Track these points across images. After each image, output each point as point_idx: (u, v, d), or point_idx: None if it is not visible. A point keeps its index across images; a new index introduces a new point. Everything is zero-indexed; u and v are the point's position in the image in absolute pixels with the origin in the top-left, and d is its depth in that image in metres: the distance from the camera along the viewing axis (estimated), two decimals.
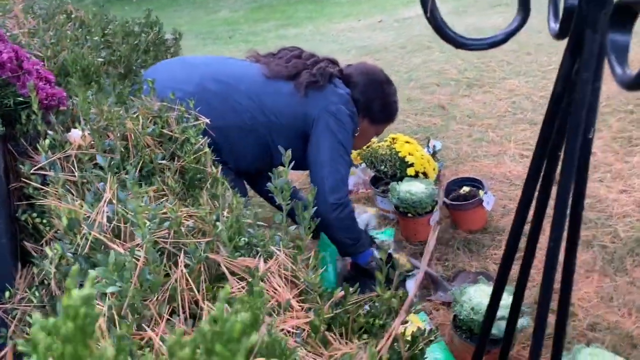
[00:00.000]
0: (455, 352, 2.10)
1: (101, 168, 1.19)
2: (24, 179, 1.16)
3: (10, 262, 1.19)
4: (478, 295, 2.07)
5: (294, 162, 2.12)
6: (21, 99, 1.24)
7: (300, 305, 0.86)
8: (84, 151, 1.24)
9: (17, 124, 1.27)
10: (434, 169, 3.06)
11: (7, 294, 1.14)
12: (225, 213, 1.06)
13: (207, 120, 1.53)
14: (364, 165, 3.25)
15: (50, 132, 1.23)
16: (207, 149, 1.40)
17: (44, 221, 1.17)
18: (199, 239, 0.95)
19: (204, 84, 1.92)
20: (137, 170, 1.30)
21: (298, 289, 0.88)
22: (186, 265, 0.85)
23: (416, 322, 2.26)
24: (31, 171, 1.14)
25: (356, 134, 2.20)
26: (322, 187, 1.97)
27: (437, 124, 4.22)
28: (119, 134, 1.26)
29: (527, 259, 1.11)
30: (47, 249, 1.03)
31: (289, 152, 1.04)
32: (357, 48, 6.45)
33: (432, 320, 2.30)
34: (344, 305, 0.89)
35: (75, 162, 1.22)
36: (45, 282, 1.13)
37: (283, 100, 1.99)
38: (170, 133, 1.42)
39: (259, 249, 1.00)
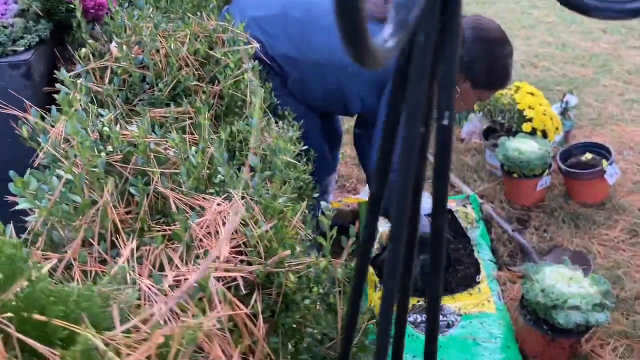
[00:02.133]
0: (518, 332, 1.92)
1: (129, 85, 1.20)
2: (58, 84, 1.21)
3: None
4: (553, 277, 1.84)
5: (367, 112, 1.99)
6: (73, 6, 1.28)
7: (234, 257, 0.80)
8: (119, 64, 1.25)
9: (70, 30, 1.32)
10: (556, 129, 2.71)
11: None
12: (211, 148, 1.01)
13: (257, 45, 1.47)
14: (481, 113, 2.97)
15: (91, 41, 1.26)
16: (245, 75, 1.35)
17: None
18: (167, 169, 0.93)
19: (289, 8, 1.82)
20: (170, 89, 1.30)
21: (239, 241, 0.82)
22: (131, 195, 0.83)
23: (485, 292, 2.09)
24: (62, 77, 1.19)
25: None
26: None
27: (587, 76, 3.70)
28: (152, 50, 1.25)
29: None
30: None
31: None
32: None
33: (504, 293, 2.11)
34: (282, 263, 0.82)
35: (109, 73, 1.25)
36: None
37: None
38: (215, 54, 1.38)
39: (236, 192, 0.95)
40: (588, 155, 2.55)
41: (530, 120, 2.65)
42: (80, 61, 1.23)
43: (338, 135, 2.39)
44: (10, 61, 1.14)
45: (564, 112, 2.92)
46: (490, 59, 1.91)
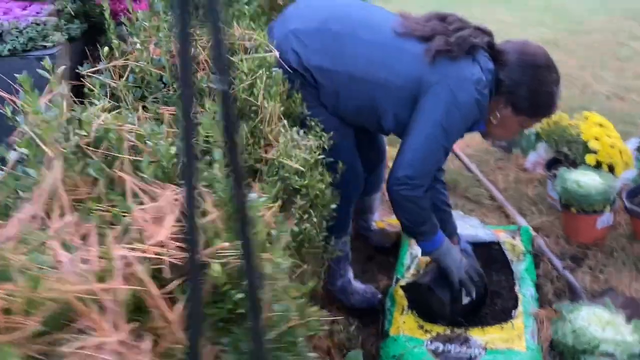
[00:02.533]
0: None
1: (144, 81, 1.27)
2: (82, 79, 1.31)
3: None
4: (588, 318, 1.70)
5: (402, 129, 1.95)
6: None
7: (172, 242, 0.83)
8: (137, 63, 1.33)
9: (103, 31, 1.43)
10: (626, 163, 2.51)
11: None
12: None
13: (276, 53, 1.50)
14: (546, 143, 2.83)
15: (115, 40, 1.35)
16: (259, 81, 1.38)
17: None
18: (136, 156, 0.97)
19: (329, 22, 1.83)
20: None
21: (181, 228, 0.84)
22: (86, 176, 0.88)
23: (518, 328, 1.96)
24: (84, 72, 1.28)
25: (494, 120, 1.89)
26: (400, 158, 1.78)
27: None
28: (167, 52, 1.32)
29: None
30: None
31: None
32: (623, 10, 5.46)
33: (540, 332, 1.96)
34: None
35: (128, 71, 1.33)
36: None
37: (405, 60, 1.78)
38: (233, 60, 1.43)
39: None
40: None
41: (595, 152, 2.47)
42: (103, 59, 1.32)
43: (380, 152, 2.36)
44: (37, 55, 1.26)
45: None
46: (534, 85, 1.82)
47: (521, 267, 2.25)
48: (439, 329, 2.00)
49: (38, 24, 1.29)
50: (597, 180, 2.36)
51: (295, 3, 2.04)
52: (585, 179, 2.36)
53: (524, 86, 1.82)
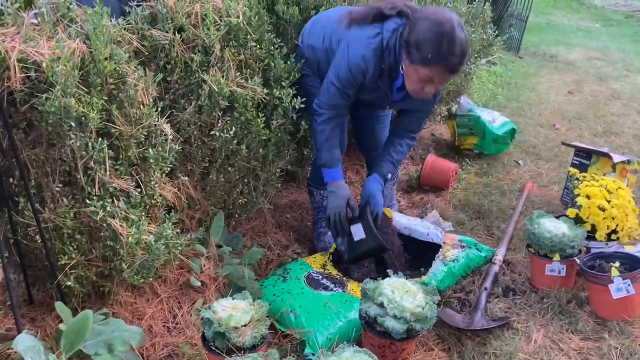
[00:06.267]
0: None
1: None
2: None
3: None
4: (392, 284, 2.02)
5: None
6: None
7: None
8: None
9: None
10: (612, 231, 2.45)
11: None
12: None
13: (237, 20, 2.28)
14: None
15: None
16: (213, 35, 2.21)
17: None
18: None
19: (321, 17, 2.58)
20: None
21: None
22: None
23: None
24: None
25: (402, 72, 2.24)
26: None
27: None
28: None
29: None
30: None
31: None
32: None
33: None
34: None
35: None
36: None
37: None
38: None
39: None
40: (616, 264, 2.27)
41: (579, 207, 2.50)
42: None
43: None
44: None
45: None
46: (423, 35, 2.07)
47: (438, 267, 2.50)
48: (334, 271, 2.48)
49: None
50: (559, 229, 2.41)
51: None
52: (548, 225, 2.45)
53: (413, 37, 2.10)
